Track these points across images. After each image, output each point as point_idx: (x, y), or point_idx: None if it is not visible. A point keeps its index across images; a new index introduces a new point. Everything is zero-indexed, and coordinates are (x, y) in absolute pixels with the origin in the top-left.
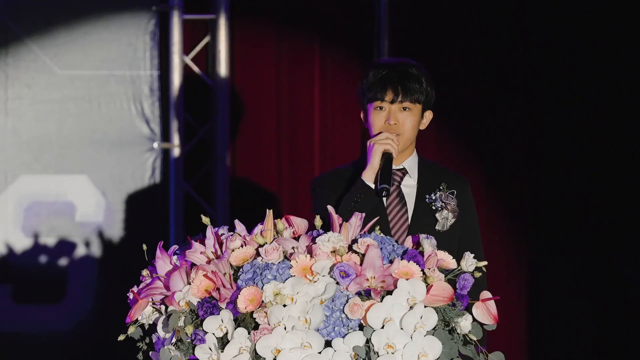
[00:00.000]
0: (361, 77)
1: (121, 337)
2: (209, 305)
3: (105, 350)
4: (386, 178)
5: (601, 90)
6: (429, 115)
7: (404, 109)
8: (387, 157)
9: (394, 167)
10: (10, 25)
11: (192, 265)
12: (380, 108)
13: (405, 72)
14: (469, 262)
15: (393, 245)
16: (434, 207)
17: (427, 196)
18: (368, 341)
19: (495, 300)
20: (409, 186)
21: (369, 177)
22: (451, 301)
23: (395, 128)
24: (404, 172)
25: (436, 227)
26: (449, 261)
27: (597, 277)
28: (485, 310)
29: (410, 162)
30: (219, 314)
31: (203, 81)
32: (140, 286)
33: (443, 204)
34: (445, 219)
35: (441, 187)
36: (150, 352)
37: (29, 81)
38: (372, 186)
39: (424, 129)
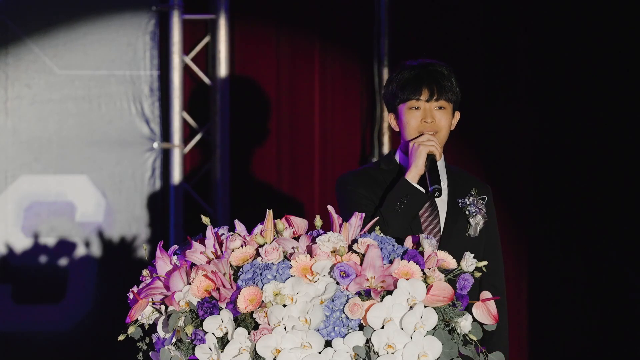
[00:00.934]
0: (387, 81)
1: (121, 337)
2: (209, 305)
3: (105, 350)
4: (436, 179)
5: (602, 90)
6: (457, 115)
7: (440, 107)
8: (431, 159)
9: None
10: (10, 25)
11: (192, 265)
12: (416, 108)
13: (438, 71)
14: (469, 262)
15: (393, 245)
16: (467, 212)
17: (460, 201)
18: (368, 341)
19: (495, 301)
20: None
21: (413, 178)
22: (451, 301)
23: (432, 126)
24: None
25: (468, 232)
26: (449, 261)
27: (598, 277)
28: (485, 310)
29: (440, 165)
30: (219, 314)
31: (203, 81)
32: (140, 286)
33: (476, 209)
34: (477, 224)
35: (473, 192)
36: (150, 352)
37: (29, 81)
38: (418, 187)
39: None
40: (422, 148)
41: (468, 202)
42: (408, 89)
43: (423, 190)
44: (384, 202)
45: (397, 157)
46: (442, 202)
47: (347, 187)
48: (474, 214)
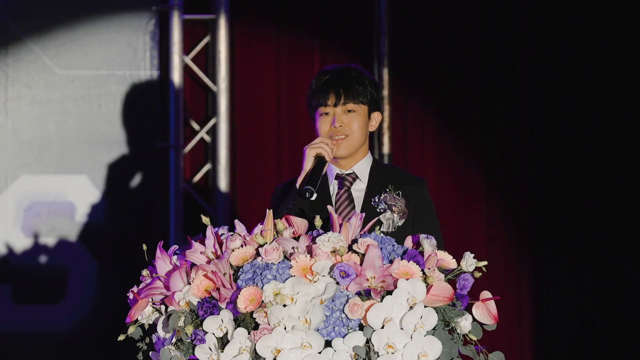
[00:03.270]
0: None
1: (121, 337)
2: (209, 305)
3: (105, 350)
4: (313, 180)
5: (602, 90)
6: (377, 116)
7: (349, 111)
8: (318, 160)
9: (344, 172)
10: (10, 25)
11: (192, 265)
12: (326, 114)
13: (346, 75)
14: (469, 262)
15: (393, 246)
16: (378, 210)
17: (373, 199)
18: (368, 341)
19: (496, 300)
20: (359, 190)
21: (300, 181)
22: (451, 301)
23: (341, 130)
24: (353, 176)
25: (381, 229)
26: (449, 261)
27: (598, 277)
28: (485, 310)
29: (361, 166)
30: (219, 314)
31: (203, 81)
32: (140, 286)
33: (387, 205)
34: (390, 220)
35: (388, 189)
36: (150, 352)
37: (29, 81)
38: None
39: (373, 131)
40: (309, 150)
41: (377, 200)
42: (317, 95)
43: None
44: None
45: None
46: (358, 202)
47: (272, 200)
48: (383, 210)
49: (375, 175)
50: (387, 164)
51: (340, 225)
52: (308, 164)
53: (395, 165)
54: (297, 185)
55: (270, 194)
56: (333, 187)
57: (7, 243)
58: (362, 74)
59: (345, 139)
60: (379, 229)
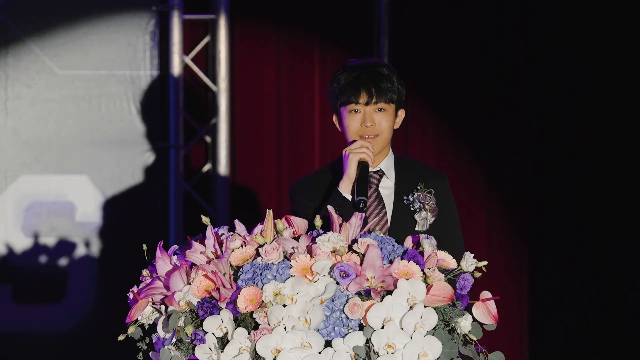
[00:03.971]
0: (330, 80)
1: (121, 337)
2: (209, 305)
3: (105, 350)
4: (363, 190)
5: (602, 90)
6: (401, 114)
7: (379, 109)
8: (362, 166)
9: (371, 170)
10: (10, 25)
11: (192, 265)
12: (355, 111)
13: (377, 72)
14: (469, 262)
15: (393, 246)
16: (412, 209)
17: (405, 197)
18: (368, 341)
19: (495, 300)
20: (387, 188)
21: (345, 187)
22: (451, 301)
23: (372, 129)
24: (380, 174)
25: (416, 228)
26: (449, 261)
27: (598, 278)
28: (485, 310)
29: (386, 163)
30: (219, 314)
31: (203, 81)
32: (140, 286)
33: (421, 204)
34: (424, 219)
35: (419, 187)
36: (150, 352)
37: (29, 81)
38: (349, 198)
39: (398, 128)
40: (352, 156)
41: (412, 199)
42: (347, 91)
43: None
44: (321, 210)
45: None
46: (389, 200)
47: (294, 197)
48: (419, 209)
49: (400, 172)
50: (405, 158)
51: (340, 225)
52: (351, 169)
53: (412, 158)
54: (340, 189)
55: (270, 193)
56: None
57: (7, 243)
58: (392, 70)
59: (375, 139)
60: (415, 228)
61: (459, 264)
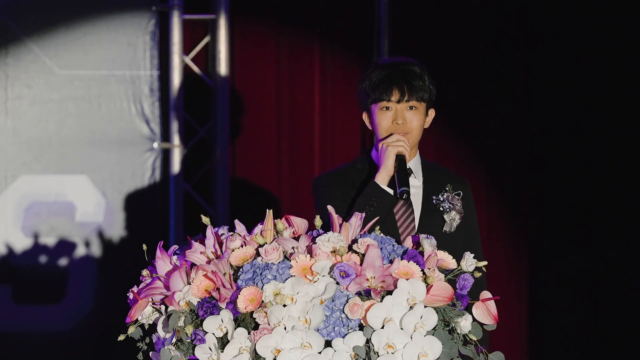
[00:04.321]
0: (361, 79)
1: (121, 337)
2: (209, 305)
3: (105, 350)
4: (404, 181)
5: (602, 90)
6: (432, 113)
7: (411, 107)
8: (400, 160)
9: None
10: (10, 25)
11: (192, 265)
12: (387, 108)
13: (409, 70)
14: (469, 262)
15: (393, 246)
16: (441, 209)
17: (434, 197)
18: (368, 341)
19: (495, 301)
20: (415, 187)
21: (382, 179)
22: (451, 301)
23: (403, 127)
24: (409, 172)
25: (444, 229)
26: (449, 261)
27: (598, 278)
28: (485, 310)
29: (415, 163)
30: (219, 314)
31: (203, 81)
32: (140, 286)
33: (451, 205)
34: (452, 220)
35: (447, 188)
36: (150, 352)
37: (29, 81)
38: (386, 189)
39: (427, 128)
40: (391, 149)
41: (442, 199)
42: (379, 89)
43: (392, 192)
44: (354, 204)
45: (372, 156)
46: (416, 200)
47: (321, 189)
48: (448, 210)
49: (428, 173)
50: (431, 162)
51: (341, 225)
52: (389, 161)
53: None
54: (377, 181)
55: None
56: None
57: (7, 243)
58: (423, 69)
59: (405, 137)
60: (443, 229)
61: (459, 264)
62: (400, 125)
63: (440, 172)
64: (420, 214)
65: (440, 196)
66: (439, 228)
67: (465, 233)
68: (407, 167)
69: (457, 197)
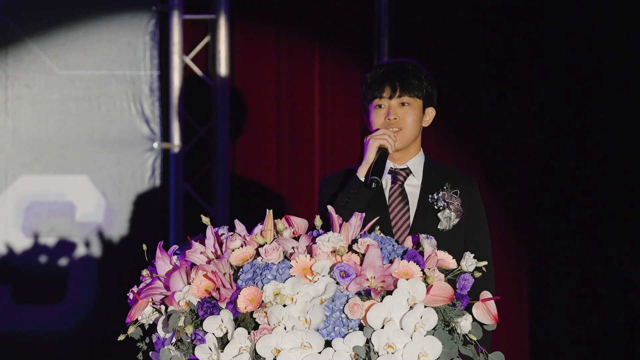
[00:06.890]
0: (362, 83)
1: (121, 337)
2: (209, 305)
3: (105, 350)
4: (378, 170)
5: (603, 89)
6: (431, 112)
7: (403, 104)
8: (382, 152)
9: (398, 166)
10: (10, 25)
11: (192, 265)
12: (380, 106)
13: (402, 68)
14: (469, 262)
15: (393, 246)
16: (436, 207)
17: (430, 196)
18: (368, 341)
19: (496, 301)
20: (413, 186)
21: (362, 172)
22: (451, 301)
23: (396, 123)
24: (407, 171)
25: (438, 227)
26: (449, 261)
27: (598, 277)
28: (485, 310)
29: (414, 162)
30: (219, 314)
31: (203, 81)
32: (140, 286)
33: (445, 203)
34: (447, 218)
35: (445, 187)
36: (150, 352)
37: (29, 81)
38: (362, 180)
39: (427, 127)
40: (373, 141)
41: (436, 197)
42: (373, 87)
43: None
44: (337, 198)
45: None
46: (413, 198)
47: (321, 189)
48: (442, 208)
49: (429, 172)
50: (439, 162)
51: (341, 225)
52: (371, 154)
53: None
54: (358, 174)
55: (270, 193)
56: (386, 181)
57: (7, 243)
58: (419, 68)
59: (398, 132)
60: (438, 227)
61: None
62: (392, 121)
63: (445, 172)
64: (415, 213)
65: (435, 194)
66: (434, 226)
67: (469, 233)
68: (406, 166)
69: (454, 195)
